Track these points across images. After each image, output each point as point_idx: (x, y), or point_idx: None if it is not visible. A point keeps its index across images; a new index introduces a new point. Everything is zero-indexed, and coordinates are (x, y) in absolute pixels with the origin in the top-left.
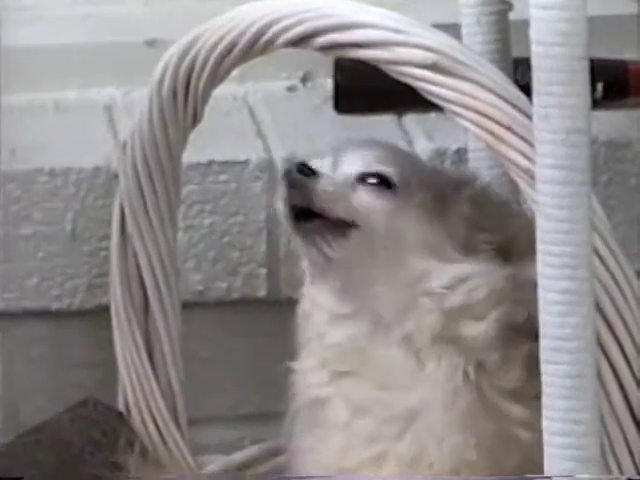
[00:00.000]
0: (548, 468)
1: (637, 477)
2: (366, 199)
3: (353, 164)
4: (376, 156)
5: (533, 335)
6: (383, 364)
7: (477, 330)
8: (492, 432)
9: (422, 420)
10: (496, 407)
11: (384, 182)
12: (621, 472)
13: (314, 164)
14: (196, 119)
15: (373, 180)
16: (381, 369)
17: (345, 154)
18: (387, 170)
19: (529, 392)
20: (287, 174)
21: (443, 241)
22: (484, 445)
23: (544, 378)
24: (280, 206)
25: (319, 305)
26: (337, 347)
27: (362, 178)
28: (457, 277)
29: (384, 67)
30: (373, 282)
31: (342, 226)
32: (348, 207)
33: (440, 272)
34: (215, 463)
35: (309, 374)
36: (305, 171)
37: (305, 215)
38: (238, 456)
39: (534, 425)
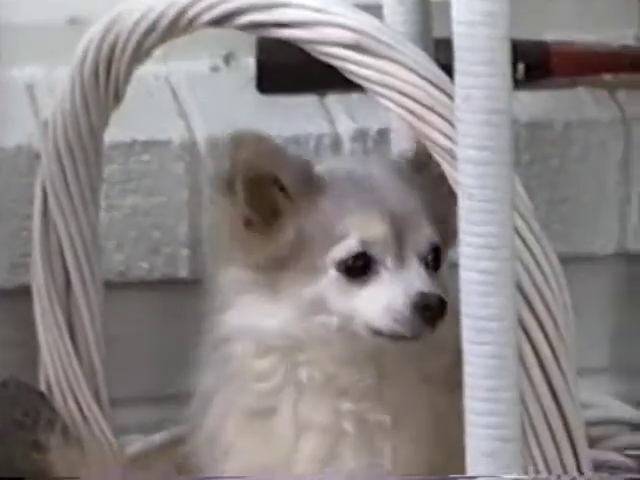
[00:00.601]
0: (470, 447)
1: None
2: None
3: (420, 246)
4: (432, 228)
5: None
6: (367, 388)
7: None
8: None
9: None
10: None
11: (437, 254)
12: (541, 451)
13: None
14: (118, 98)
15: (434, 260)
16: (362, 392)
17: (406, 229)
18: (439, 242)
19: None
20: (432, 312)
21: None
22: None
23: (466, 358)
24: (404, 330)
25: (326, 343)
26: (333, 370)
27: (426, 257)
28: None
29: (306, 47)
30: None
31: None
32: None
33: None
34: (136, 443)
35: (263, 380)
36: (444, 309)
37: None
38: (159, 437)
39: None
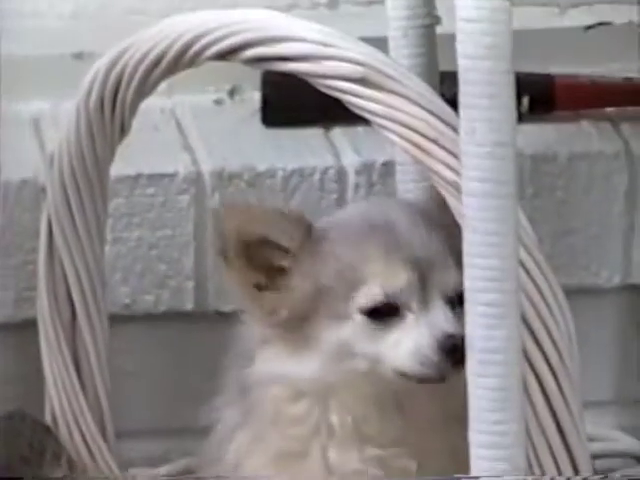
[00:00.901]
0: None
1: None
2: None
3: (446, 288)
4: (458, 269)
5: None
6: (390, 433)
7: None
8: None
9: None
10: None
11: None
12: None
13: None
14: (124, 132)
15: (460, 301)
16: (388, 438)
17: (431, 273)
18: (460, 287)
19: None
20: (458, 353)
21: None
22: None
23: (471, 390)
24: (430, 371)
25: (353, 386)
26: (361, 416)
27: (453, 300)
28: None
29: (312, 80)
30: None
31: None
32: None
33: None
34: (142, 477)
35: (297, 425)
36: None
37: None
38: (164, 470)
39: None
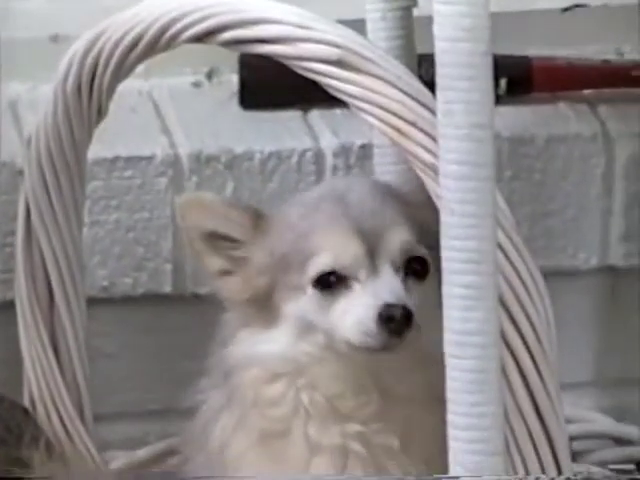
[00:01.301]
0: (452, 462)
1: (540, 474)
2: (417, 301)
3: (395, 256)
4: (410, 238)
5: None
6: (372, 410)
7: None
8: None
9: (397, 458)
10: None
11: (422, 265)
12: (525, 465)
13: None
14: (101, 114)
15: (417, 268)
16: (368, 413)
17: (380, 241)
18: (421, 251)
19: None
20: (395, 324)
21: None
22: None
23: (448, 372)
24: (369, 342)
25: (322, 361)
26: (335, 395)
27: (405, 266)
28: None
29: (289, 63)
30: (396, 357)
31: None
32: (415, 327)
33: (437, 323)
34: (120, 459)
35: (275, 406)
36: (410, 320)
37: None
38: (143, 452)
39: None
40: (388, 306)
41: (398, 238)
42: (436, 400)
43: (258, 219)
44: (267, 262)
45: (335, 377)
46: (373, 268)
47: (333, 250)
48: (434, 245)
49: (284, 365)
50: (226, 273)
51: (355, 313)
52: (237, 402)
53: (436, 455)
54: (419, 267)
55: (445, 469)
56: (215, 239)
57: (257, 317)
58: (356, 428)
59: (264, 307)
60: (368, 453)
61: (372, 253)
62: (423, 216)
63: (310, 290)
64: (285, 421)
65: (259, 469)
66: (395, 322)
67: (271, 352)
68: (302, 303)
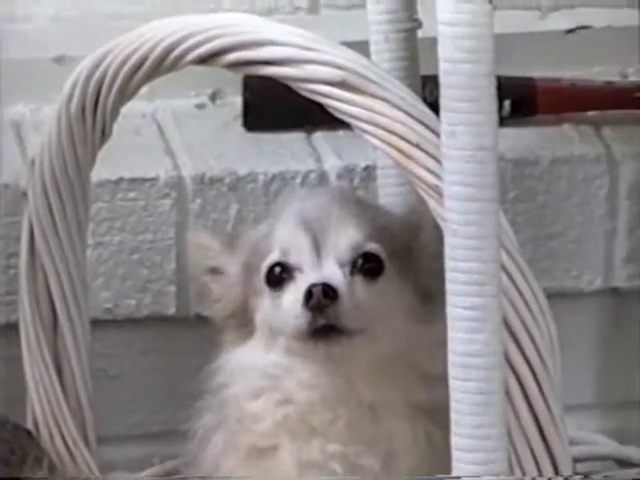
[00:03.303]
0: None
1: None
2: (369, 299)
3: (341, 250)
4: (359, 234)
5: None
6: (347, 425)
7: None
8: None
9: (380, 477)
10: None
11: (374, 261)
12: None
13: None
14: (105, 136)
15: (367, 265)
16: (344, 429)
17: (326, 235)
18: (375, 251)
19: None
20: (314, 300)
21: (414, 299)
22: None
23: (452, 394)
24: (301, 324)
25: (290, 372)
26: (306, 407)
27: (354, 263)
28: (437, 341)
29: (293, 84)
30: (358, 360)
31: (354, 331)
32: (365, 319)
33: (420, 338)
34: None
35: (258, 421)
36: (330, 294)
37: (322, 330)
38: (147, 474)
39: None
40: (311, 286)
41: (345, 234)
42: (419, 412)
43: (234, 239)
44: (238, 272)
45: (305, 387)
46: (318, 262)
47: (281, 244)
48: (401, 252)
49: (260, 378)
50: (217, 300)
51: (289, 301)
52: (225, 421)
53: (421, 468)
54: (370, 265)
55: None
56: (212, 273)
57: (240, 333)
58: (336, 448)
59: (244, 322)
60: (350, 474)
61: (318, 247)
62: (388, 222)
63: (265, 290)
64: (271, 437)
65: None
66: (314, 298)
67: (247, 364)
68: (263, 307)
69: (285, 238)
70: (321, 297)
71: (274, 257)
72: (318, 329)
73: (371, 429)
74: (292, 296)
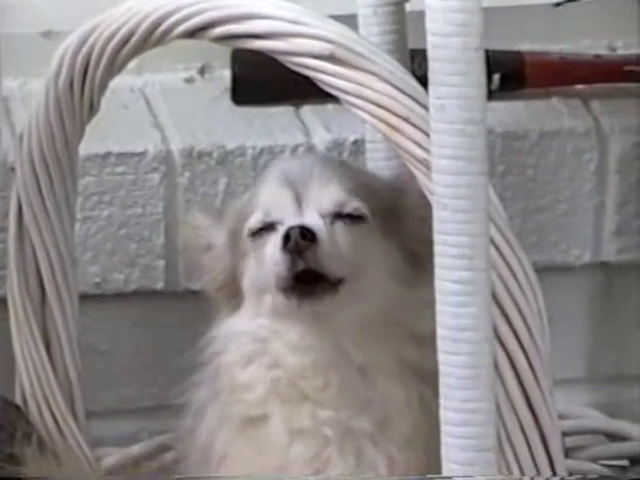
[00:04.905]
0: (445, 457)
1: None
2: (351, 248)
3: (323, 203)
4: (341, 189)
5: None
6: (339, 389)
7: None
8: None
9: (375, 440)
10: None
11: (357, 217)
12: (517, 461)
13: (278, 211)
14: (93, 110)
15: (348, 219)
16: (336, 394)
17: (308, 190)
18: (357, 205)
19: None
20: (291, 241)
21: (400, 261)
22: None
23: (441, 368)
24: (281, 270)
25: (279, 334)
26: (296, 371)
27: (337, 216)
28: (425, 302)
29: (281, 58)
30: (345, 319)
31: (337, 282)
32: (347, 266)
33: (407, 299)
34: (113, 456)
35: (250, 390)
36: (308, 236)
37: (302, 276)
38: (136, 449)
39: None
40: (289, 229)
41: (328, 190)
42: (411, 373)
43: (221, 212)
44: (225, 241)
45: (294, 350)
46: (299, 214)
47: (264, 204)
48: (386, 212)
49: (250, 342)
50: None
51: (270, 250)
52: (219, 393)
53: (417, 432)
54: (352, 217)
55: (426, 445)
56: (205, 250)
57: (231, 305)
58: (328, 413)
59: (234, 292)
60: (344, 440)
61: (300, 203)
62: (373, 183)
63: (250, 249)
64: (262, 405)
65: (244, 461)
66: (292, 239)
67: (237, 330)
68: (249, 267)
69: (268, 197)
70: (299, 238)
71: (257, 215)
72: (300, 278)
73: (364, 392)
74: (273, 245)
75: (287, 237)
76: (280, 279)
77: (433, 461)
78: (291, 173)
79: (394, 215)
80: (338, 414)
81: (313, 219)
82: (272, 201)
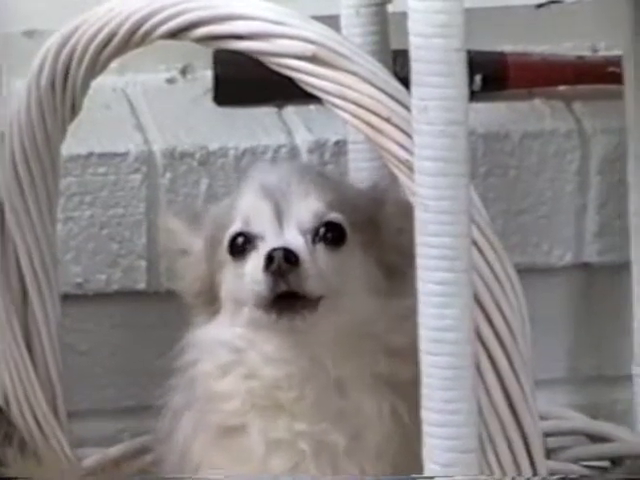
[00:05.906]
0: (427, 458)
1: (514, 472)
2: (331, 268)
3: (302, 217)
4: (320, 202)
5: None
6: (314, 402)
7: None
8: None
9: (349, 453)
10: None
11: (337, 231)
12: (499, 462)
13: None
14: (75, 110)
15: (329, 234)
16: (311, 406)
17: (287, 202)
18: (336, 217)
19: None
20: (274, 264)
21: (377, 273)
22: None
23: (423, 369)
24: (262, 290)
25: (255, 345)
26: (272, 383)
27: (316, 231)
28: (400, 315)
29: (263, 59)
30: (322, 332)
31: (316, 300)
32: (327, 286)
33: (383, 311)
34: (94, 456)
35: (227, 400)
36: (291, 259)
37: (283, 295)
38: (117, 449)
39: None
40: (272, 250)
41: (307, 202)
42: (384, 386)
43: (199, 218)
44: (202, 248)
45: (270, 362)
46: (280, 230)
47: (243, 214)
48: (364, 224)
49: (226, 352)
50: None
51: (251, 268)
52: (195, 401)
53: (388, 444)
54: (333, 234)
55: (396, 458)
56: (180, 254)
57: (208, 311)
58: (302, 426)
59: (211, 300)
60: (319, 452)
61: (280, 216)
62: (351, 194)
63: (229, 260)
64: (239, 415)
65: (220, 470)
66: (275, 262)
67: (213, 339)
68: (227, 278)
69: (247, 208)
70: (282, 262)
71: (236, 227)
72: (280, 296)
73: (338, 404)
74: (254, 263)
75: (270, 258)
76: (260, 298)
77: (401, 474)
78: (270, 183)
79: (372, 226)
80: (312, 428)
81: (295, 239)
82: (252, 213)
